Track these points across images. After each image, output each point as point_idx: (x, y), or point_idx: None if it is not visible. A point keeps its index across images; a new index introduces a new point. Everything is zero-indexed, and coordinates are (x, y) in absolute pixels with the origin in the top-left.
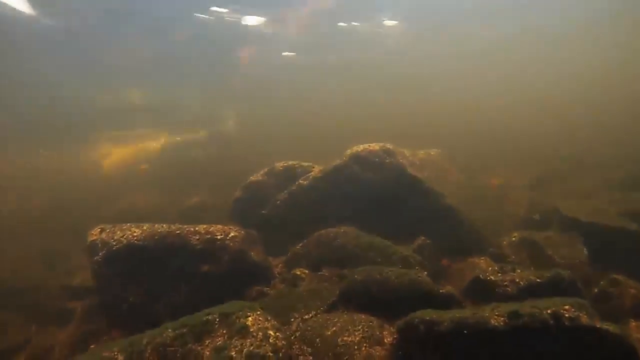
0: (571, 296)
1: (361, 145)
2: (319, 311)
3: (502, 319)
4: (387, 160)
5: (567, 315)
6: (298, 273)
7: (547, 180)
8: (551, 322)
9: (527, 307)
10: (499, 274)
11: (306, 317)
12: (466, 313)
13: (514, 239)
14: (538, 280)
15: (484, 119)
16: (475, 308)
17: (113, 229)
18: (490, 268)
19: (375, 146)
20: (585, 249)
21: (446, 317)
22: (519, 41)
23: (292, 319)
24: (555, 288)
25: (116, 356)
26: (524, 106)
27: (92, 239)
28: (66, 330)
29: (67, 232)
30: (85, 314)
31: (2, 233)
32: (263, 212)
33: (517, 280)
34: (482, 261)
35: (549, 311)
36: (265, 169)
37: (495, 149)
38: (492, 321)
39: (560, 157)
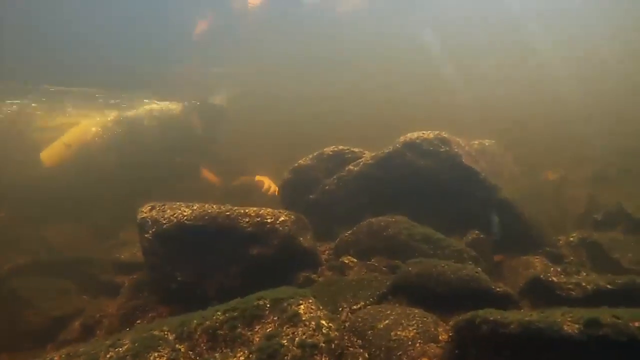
0: None
1: (415, 133)
2: (368, 302)
3: (576, 326)
4: (442, 149)
5: None
6: (346, 261)
7: (608, 177)
8: None
9: (607, 316)
10: (562, 276)
11: (355, 307)
12: (534, 316)
13: (572, 238)
14: (609, 286)
15: (537, 110)
16: (538, 311)
17: (163, 207)
18: (551, 269)
19: (429, 134)
20: None
21: (513, 318)
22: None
23: (341, 309)
24: (628, 297)
25: (167, 335)
26: (580, 98)
27: (142, 216)
28: (115, 303)
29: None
30: (133, 288)
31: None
32: (311, 196)
33: (584, 284)
34: (537, 260)
35: (637, 324)
36: (315, 153)
37: (552, 141)
38: (566, 327)
39: (621, 151)
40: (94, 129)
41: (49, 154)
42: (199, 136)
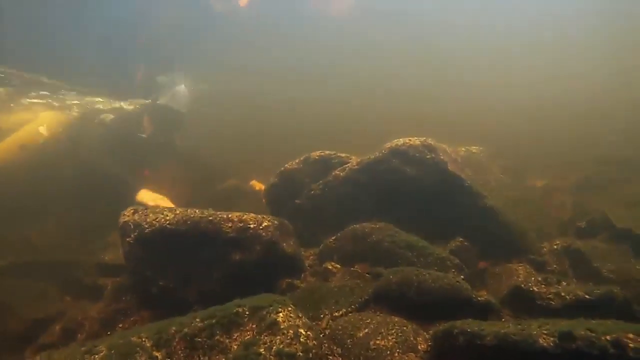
0: (622, 318)
1: (401, 139)
2: (350, 309)
3: (551, 339)
4: (428, 156)
5: (631, 345)
6: (330, 267)
7: (594, 184)
8: (611, 350)
9: (581, 329)
10: (543, 285)
11: (336, 314)
12: (511, 328)
13: (555, 246)
14: (587, 296)
15: (526, 117)
16: (517, 321)
17: (146, 211)
18: (533, 278)
19: (416, 140)
20: (638, 264)
21: (489, 330)
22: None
23: (322, 315)
24: (605, 307)
25: (144, 342)
26: (568, 105)
27: (124, 219)
28: (97, 306)
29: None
30: (115, 292)
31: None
32: (297, 201)
33: (563, 294)
34: (520, 268)
35: (608, 337)
36: (301, 157)
37: (539, 148)
38: (541, 340)
39: (609, 159)
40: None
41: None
42: (150, 141)
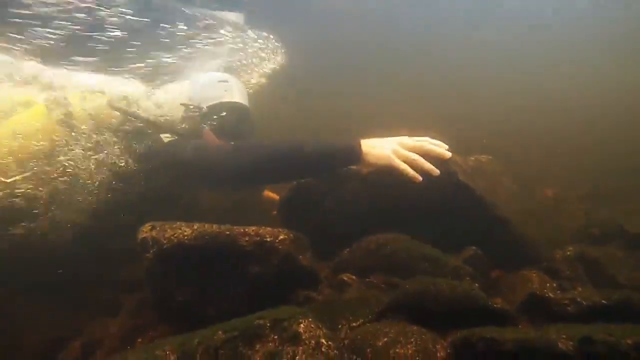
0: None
1: None
2: (367, 319)
3: (570, 343)
4: (439, 167)
5: None
6: (345, 279)
7: (607, 193)
8: (633, 354)
9: (600, 333)
10: (558, 292)
11: (354, 324)
12: (530, 334)
13: (569, 253)
14: (604, 302)
15: (535, 123)
16: (534, 327)
17: (164, 226)
18: (548, 284)
19: None
20: None
21: (509, 336)
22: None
23: (340, 326)
24: (623, 313)
25: (168, 355)
26: (580, 110)
27: (142, 235)
28: (116, 322)
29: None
30: (134, 308)
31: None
32: (311, 214)
33: (579, 299)
34: (534, 275)
35: (629, 341)
36: None
37: (549, 155)
38: (560, 345)
39: (620, 167)
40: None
41: None
42: None
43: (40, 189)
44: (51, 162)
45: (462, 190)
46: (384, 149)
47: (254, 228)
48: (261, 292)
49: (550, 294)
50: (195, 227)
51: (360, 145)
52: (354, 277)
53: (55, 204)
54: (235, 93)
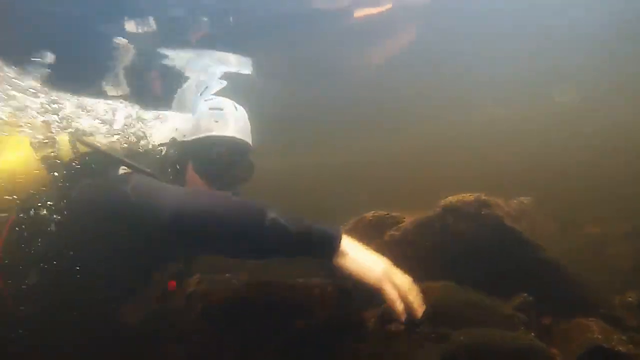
0: None
1: (455, 196)
2: None
3: None
4: (483, 212)
5: None
6: (393, 329)
7: None
8: None
9: None
10: (630, 345)
11: None
12: None
13: (630, 299)
14: None
15: (571, 159)
16: None
17: (212, 278)
18: (615, 336)
19: (469, 197)
20: None
21: None
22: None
23: None
24: None
25: None
26: (617, 144)
27: (190, 289)
28: None
29: None
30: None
31: None
32: None
33: None
34: (592, 323)
35: None
36: (355, 219)
37: (588, 193)
38: None
39: None
40: None
41: None
42: None
43: None
44: None
45: (509, 233)
46: (374, 262)
47: (301, 280)
48: (308, 345)
49: (621, 348)
50: (243, 280)
51: (339, 237)
52: (402, 327)
53: None
54: (230, 125)
